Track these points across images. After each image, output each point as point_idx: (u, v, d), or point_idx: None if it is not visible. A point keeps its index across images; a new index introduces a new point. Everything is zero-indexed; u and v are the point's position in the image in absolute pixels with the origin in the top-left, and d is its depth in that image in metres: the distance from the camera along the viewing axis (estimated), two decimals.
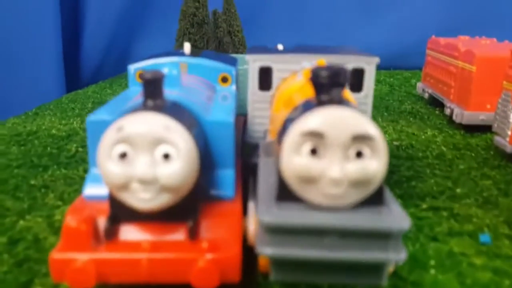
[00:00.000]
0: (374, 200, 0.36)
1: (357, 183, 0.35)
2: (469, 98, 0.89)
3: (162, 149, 0.37)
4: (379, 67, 0.57)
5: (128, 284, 0.41)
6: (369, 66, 0.54)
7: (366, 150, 0.35)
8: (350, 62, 0.55)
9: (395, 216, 0.35)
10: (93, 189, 0.43)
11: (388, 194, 0.38)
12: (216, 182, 0.45)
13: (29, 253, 0.48)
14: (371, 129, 0.35)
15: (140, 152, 0.37)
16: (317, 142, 0.35)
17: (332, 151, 0.34)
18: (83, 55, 1.63)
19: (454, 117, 0.93)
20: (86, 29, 1.61)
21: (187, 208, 0.39)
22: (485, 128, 0.88)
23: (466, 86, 0.90)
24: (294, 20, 1.70)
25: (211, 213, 0.41)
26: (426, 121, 1.01)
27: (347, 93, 0.50)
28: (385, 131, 0.92)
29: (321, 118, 0.35)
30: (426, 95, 1.14)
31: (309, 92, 0.41)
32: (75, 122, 0.97)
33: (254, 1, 1.68)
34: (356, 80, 0.55)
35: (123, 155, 0.37)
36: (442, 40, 1.07)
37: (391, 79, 1.51)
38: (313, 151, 0.35)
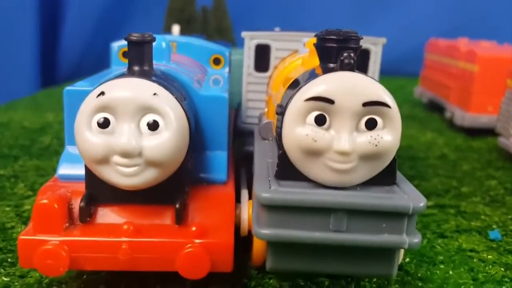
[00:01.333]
0: (386, 178, 0.32)
1: (368, 157, 0.31)
2: (471, 99, 0.86)
3: (148, 119, 0.32)
4: None
5: (105, 271, 0.37)
6: (375, 47, 0.51)
7: (378, 120, 0.31)
8: None
9: (410, 195, 0.31)
10: (68, 169, 0.39)
11: (399, 173, 0.34)
12: (208, 165, 0.40)
13: None
14: (385, 96, 0.31)
15: (123, 121, 0.32)
16: (323, 110, 0.30)
17: (340, 121, 0.30)
18: (62, 52, 1.54)
19: (455, 120, 0.90)
20: (66, 25, 1.53)
21: (174, 189, 0.35)
22: (487, 132, 0.85)
23: (468, 87, 0.87)
24: (287, 23, 1.66)
25: (201, 197, 0.37)
26: (425, 124, 0.98)
27: None
28: None
29: (328, 83, 0.30)
30: (424, 99, 1.11)
31: (314, 64, 0.37)
32: (50, 116, 0.91)
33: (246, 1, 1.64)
34: (361, 62, 0.51)
35: (104, 124, 0.32)
36: (442, 42, 1.04)
37: (387, 85, 1.48)
38: (319, 121, 0.30)
